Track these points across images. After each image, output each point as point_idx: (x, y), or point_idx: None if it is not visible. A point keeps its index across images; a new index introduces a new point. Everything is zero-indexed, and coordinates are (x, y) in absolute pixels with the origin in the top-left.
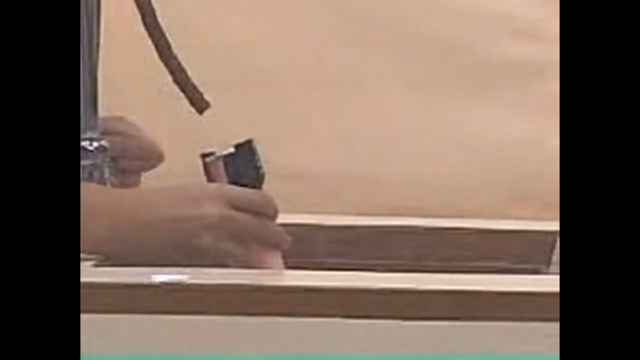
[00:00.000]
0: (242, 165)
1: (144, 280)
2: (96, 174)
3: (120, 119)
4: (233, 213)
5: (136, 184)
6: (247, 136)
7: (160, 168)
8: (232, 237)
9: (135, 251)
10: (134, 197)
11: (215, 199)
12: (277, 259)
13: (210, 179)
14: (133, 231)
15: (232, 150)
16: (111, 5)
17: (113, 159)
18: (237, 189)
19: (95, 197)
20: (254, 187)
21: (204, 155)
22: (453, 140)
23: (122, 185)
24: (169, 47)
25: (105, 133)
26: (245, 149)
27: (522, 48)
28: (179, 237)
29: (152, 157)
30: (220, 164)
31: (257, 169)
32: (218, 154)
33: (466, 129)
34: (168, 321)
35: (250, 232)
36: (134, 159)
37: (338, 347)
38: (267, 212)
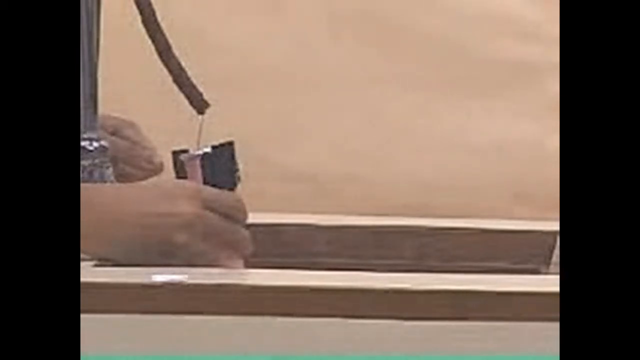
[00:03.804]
0: (219, 166)
1: (144, 280)
2: (96, 174)
3: (129, 123)
4: (207, 213)
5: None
6: (248, 136)
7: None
8: (204, 237)
9: (110, 247)
10: (110, 192)
11: (191, 197)
12: (241, 263)
13: (182, 176)
14: (108, 226)
15: (208, 150)
16: (111, 5)
17: (113, 161)
18: (213, 189)
19: None
20: (228, 189)
21: (176, 152)
22: (453, 140)
23: None
24: (169, 47)
25: (114, 133)
26: (225, 150)
27: (522, 49)
28: (154, 234)
29: (152, 167)
30: (197, 162)
31: (234, 171)
32: (195, 152)
33: (466, 129)
34: (168, 321)
35: (221, 233)
36: (136, 167)
37: (338, 347)
38: (238, 216)
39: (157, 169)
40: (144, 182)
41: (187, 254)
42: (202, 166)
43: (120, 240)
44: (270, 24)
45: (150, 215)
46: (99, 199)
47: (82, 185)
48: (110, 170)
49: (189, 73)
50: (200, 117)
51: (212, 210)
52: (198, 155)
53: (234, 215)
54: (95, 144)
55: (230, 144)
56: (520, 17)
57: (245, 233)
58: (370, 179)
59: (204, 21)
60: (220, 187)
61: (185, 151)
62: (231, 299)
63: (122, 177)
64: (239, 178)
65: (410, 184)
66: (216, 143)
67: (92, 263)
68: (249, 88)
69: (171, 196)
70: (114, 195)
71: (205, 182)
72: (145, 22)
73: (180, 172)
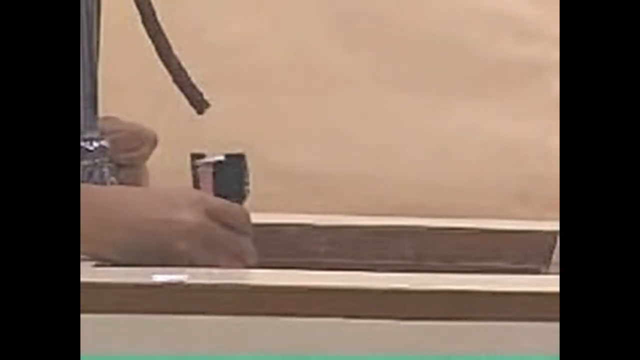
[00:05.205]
0: (230, 176)
1: (144, 280)
2: (96, 174)
3: (106, 118)
4: (209, 222)
5: (142, 175)
6: (247, 136)
7: (160, 168)
8: (205, 246)
9: (110, 249)
10: (111, 194)
11: (194, 205)
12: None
13: (196, 181)
14: (108, 228)
15: (222, 157)
16: (111, 5)
17: (110, 159)
18: (217, 198)
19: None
20: (235, 201)
21: (194, 156)
22: (453, 140)
23: (129, 180)
24: (169, 47)
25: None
26: (237, 161)
27: (522, 48)
28: (154, 239)
29: (145, 143)
30: (210, 169)
31: (243, 184)
32: (209, 158)
33: (466, 129)
34: (168, 321)
35: (223, 243)
36: (129, 150)
37: (338, 347)
38: (242, 227)
39: (147, 142)
40: (149, 188)
41: (188, 262)
42: (214, 174)
43: (120, 242)
44: (270, 24)
45: (151, 220)
46: (100, 199)
47: (82, 185)
48: (111, 170)
49: (189, 73)
50: (199, 117)
51: (216, 219)
52: (210, 162)
53: (238, 225)
54: (95, 144)
55: (243, 156)
56: (520, 16)
57: (249, 244)
58: (370, 178)
59: (204, 21)
60: (228, 198)
61: (202, 155)
62: (231, 299)
63: (124, 169)
64: (248, 191)
65: (409, 183)
66: (229, 152)
67: (92, 263)
68: (249, 88)
69: (173, 203)
70: (115, 196)
71: (215, 190)
72: (145, 22)
73: (196, 175)
